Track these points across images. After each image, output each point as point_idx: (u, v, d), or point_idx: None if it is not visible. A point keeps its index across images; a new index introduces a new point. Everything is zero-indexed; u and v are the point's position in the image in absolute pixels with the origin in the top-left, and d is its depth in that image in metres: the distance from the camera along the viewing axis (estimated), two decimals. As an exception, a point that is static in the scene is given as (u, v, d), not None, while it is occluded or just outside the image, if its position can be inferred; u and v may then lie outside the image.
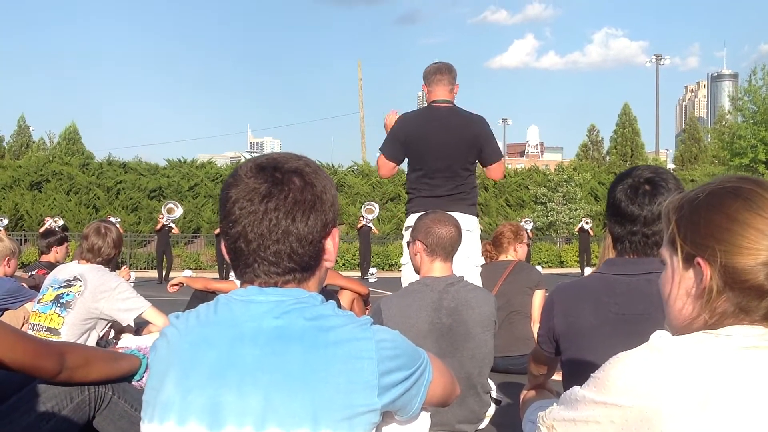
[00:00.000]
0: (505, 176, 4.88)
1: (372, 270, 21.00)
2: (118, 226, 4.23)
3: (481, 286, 3.75)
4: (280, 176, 1.30)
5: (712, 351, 1.09)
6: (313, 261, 1.34)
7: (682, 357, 1.09)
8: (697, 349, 1.10)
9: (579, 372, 1.59)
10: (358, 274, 20.31)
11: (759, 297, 1.11)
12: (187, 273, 20.07)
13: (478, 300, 3.18)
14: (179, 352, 1.28)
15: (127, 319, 3.79)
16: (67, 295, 3.70)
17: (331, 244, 1.37)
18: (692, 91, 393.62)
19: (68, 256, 6.80)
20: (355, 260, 24.42)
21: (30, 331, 3.70)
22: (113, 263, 4.00)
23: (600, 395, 1.14)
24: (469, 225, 3.46)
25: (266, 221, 1.28)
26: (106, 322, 3.81)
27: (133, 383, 2.25)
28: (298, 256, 1.31)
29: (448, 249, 3.20)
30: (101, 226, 3.99)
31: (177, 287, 4.75)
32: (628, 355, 1.14)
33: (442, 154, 4.40)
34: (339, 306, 1.43)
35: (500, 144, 4.56)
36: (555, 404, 1.27)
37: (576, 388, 1.20)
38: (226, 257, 1.36)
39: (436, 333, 3.10)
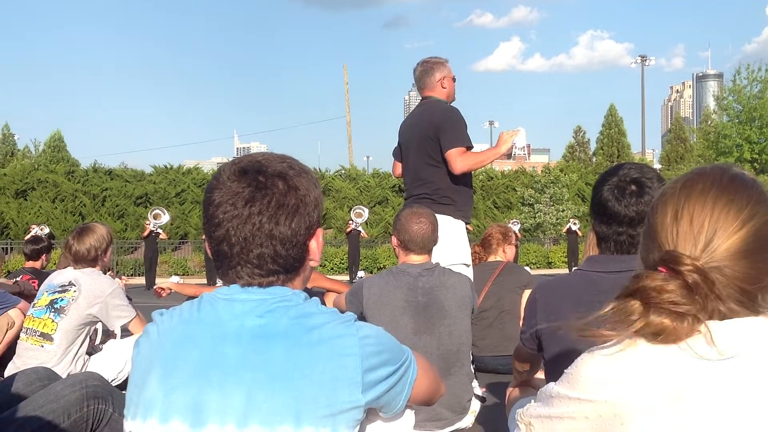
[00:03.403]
0: (464, 171, 4.59)
1: (360, 273, 20.98)
2: (108, 226, 4.18)
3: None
4: (263, 180, 1.30)
5: (684, 344, 1.09)
6: (298, 262, 1.35)
7: (653, 351, 1.09)
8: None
9: (561, 369, 1.59)
10: (347, 277, 20.30)
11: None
12: (175, 279, 19.95)
13: (453, 282, 3.32)
14: (162, 350, 1.29)
15: (115, 325, 3.79)
16: (62, 300, 3.68)
17: (315, 245, 1.37)
18: (678, 91, 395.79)
19: (48, 262, 6.79)
20: (343, 264, 24.40)
21: (23, 336, 3.69)
22: (103, 263, 3.96)
23: (573, 391, 1.14)
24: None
25: (249, 225, 1.28)
26: (96, 324, 3.81)
27: None
28: (282, 259, 1.32)
29: (420, 244, 3.33)
30: (78, 228, 3.96)
31: (166, 293, 4.67)
32: (600, 350, 1.14)
33: (408, 150, 4.40)
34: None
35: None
36: (532, 401, 1.27)
37: (551, 384, 1.21)
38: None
39: (411, 310, 3.21)
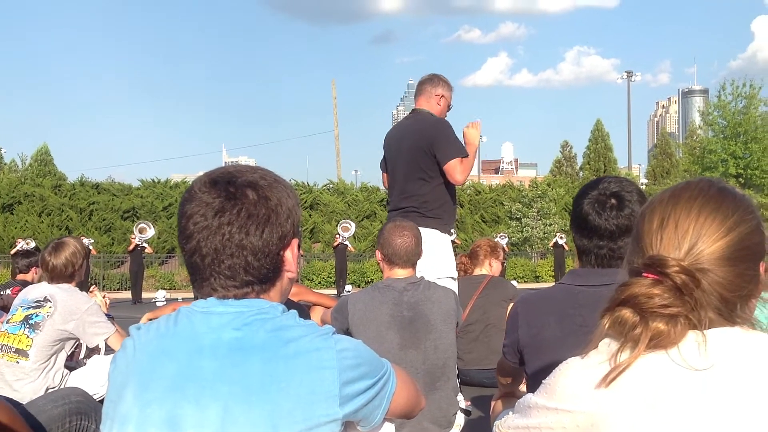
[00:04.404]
0: (465, 180, 4.81)
1: (348, 287, 20.96)
2: (81, 240, 4.15)
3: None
4: (233, 190, 1.30)
5: (673, 351, 1.09)
6: (272, 273, 1.34)
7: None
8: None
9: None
10: (335, 291, 20.28)
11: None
12: (161, 293, 19.89)
13: (438, 296, 3.32)
14: (138, 364, 1.28)
15: (93, 342, 3.76)
16: (37, 316, 3.63)
17: (290, 256, 1.36)
18: (664, 106, 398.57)
19: (38, 276, 6.74)
20: (331, 278, 24.37)
21: None
22: (80, 277, 3.92)
23: (551, 401, 1.15)
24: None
25: (219, 236, 1.28)
26: (74, 341, 3.77)
27: None
28: (255, 269, 1.31)
29: (404, 258, 3.33)
30: (53, 244, 3.91)
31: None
32: (577, 361, 1.15)
33: (396, 162, 4.42)
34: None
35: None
36: (510, 412, 1.27)
37: (529, 395, 1.21)
38: None
39: (397, 325, 3.20)
